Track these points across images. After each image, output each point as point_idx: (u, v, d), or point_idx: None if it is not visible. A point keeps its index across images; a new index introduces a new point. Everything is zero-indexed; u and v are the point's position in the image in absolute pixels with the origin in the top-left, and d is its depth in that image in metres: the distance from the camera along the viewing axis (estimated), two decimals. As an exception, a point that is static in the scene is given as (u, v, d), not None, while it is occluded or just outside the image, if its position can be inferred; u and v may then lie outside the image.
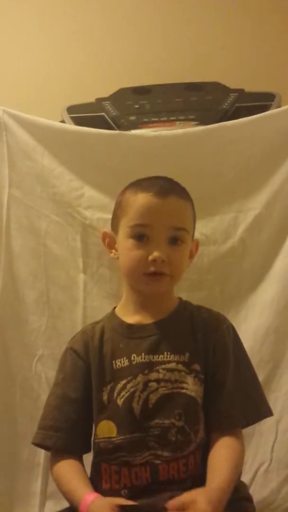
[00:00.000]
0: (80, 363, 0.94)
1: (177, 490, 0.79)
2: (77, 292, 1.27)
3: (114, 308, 1.02)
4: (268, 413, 0.90)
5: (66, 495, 0.84)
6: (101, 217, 1.26)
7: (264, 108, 1.34)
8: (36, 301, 1.25)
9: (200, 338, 0.91)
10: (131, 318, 0.95)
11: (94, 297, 1.27)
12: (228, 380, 0.87)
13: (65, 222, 1.29)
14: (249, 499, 0.88)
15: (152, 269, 0.89)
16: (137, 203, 0.91)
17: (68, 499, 0.84)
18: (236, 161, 1.29)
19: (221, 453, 0.81)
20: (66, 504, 1.04)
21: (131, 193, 0.94)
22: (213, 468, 0.80)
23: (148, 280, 0.90)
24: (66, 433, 0.89)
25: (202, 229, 1.25)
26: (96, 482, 0.87)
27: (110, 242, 1.00)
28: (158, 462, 0.82)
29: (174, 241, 0.91)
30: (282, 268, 1.22)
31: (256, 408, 0.88)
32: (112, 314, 0.99)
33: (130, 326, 0.94)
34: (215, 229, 1.27)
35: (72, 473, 0.85)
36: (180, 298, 1.00)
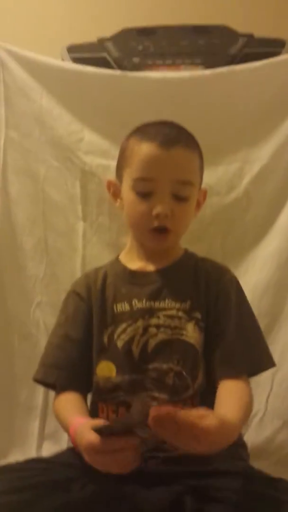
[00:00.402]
0: (82, 305, 0.93)
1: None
2: (76, 240, 1.25)
3: (118, 255, 1.00)
4: (270, 364, 0.90)
5: (63, 425, 0.84)
6: (101, 163, 1.22)
7: (274, 55, 1.27)
8: (34, 248, 1.23)
9: (203, 287, 0.90)
10: (135, 264, 0.94)
11: (93, 245, 1.25)
12: (229, 329, 0.87)
13: (64, 168, 1.25)
14: (243, 445, 0.90)
15: (155, 223, 0.87)
16: (140, 154, 0.87)
17: (65, 429, 0.84)
18: (244, 108, 1.24)
19: (230, 393, 0.81)
20: (63, 446, 1.08)
21: (135, 141, 0.89)
22: (222, 406, 0.78)
23: (153, 236, 0.89)
24: (67, 371, 0.89)
25: (205, 179, 1.19)
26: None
27: (115, 192, 0.96)
28: (154, 404, 0.82)
29: (179, 195, 0.88)
30: (286, 222, 1.20)
31: (258, 358, 0.88)
32: (116, 261, 0.99)
33: (133, 272, 0.93)
34: (220, 180, 1.23)
35: (70, 404, 0.86)
36: (186, 249, 0.99)
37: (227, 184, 1.24)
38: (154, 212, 0.86)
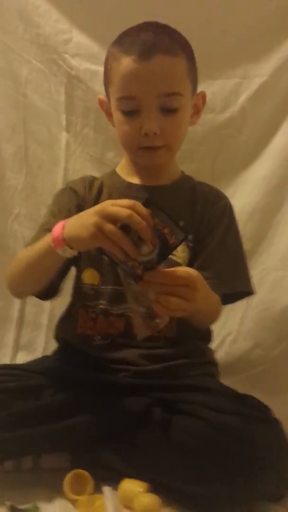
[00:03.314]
0: (77, 202, 0.88)
1: (149, 346, 0.81)
2: (59, 151, 1.19)
3: (114, 169, 0.95)
4: (245, 287, 0.89)
5: (35, 254, 0.76)
6: (89, 68, 1.14)
7: None
8: (14, 156, 1.18)
9: (199, 210, 0.88)
10: (132, 178, 0.91)
11: (76, 159, 1.20)
12: (210, 249, 0.85)
13: (48, 71, 1.17)
14: (214, 363, 0.92)
15: (144, 143, 0.82)
16: (119, 70, 0.79)
17: (35, 253, 0.76)
18: (248, 19, 1.14)
19: None
20: (37, 355, 1.10)
21: (113, 56, 0.81)
22: None
23: (144, 154, 0.84)
24: None
25: (200, 93, 1.15)
26: (70, 326, 0.87)
27: (108, 110, 0.89)
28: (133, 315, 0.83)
29: (167, 108, 0.81)
30: (280, 145, 1.16)
31: (233, 280, 0.87)
32: (113, 172, 0.94)
33: (130, 185, 0.89)
34: (215, 95, 1.16)
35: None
36: (183, 172, 0.95)
37: (223, 100, 1.17)
38: (143, 131, 0.81)
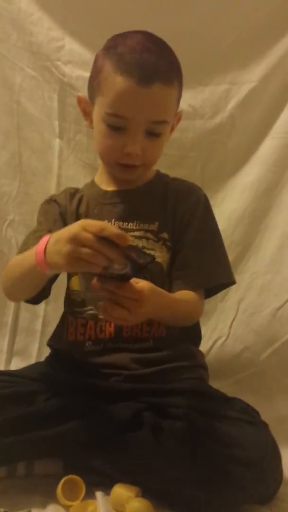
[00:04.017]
0: (59, 210, 0.92)
1: (138, 348, 0.84)
2: (52, 158, 1.21)
3: (93, 178, 0.98)
4: (227, 278, 0.91)
5: (23, 262, 0.78)
6: (81, 75, 1.14)
7: None
8: (7, 163, 1.19)
9: (171, 207, 0.90)
10: (107, 185, 0.93)
11: (69, 165, 1.21)
12: (187, 244, 0.87)
13: (41, 78, 1.18)
14: (204, 367, 0.93)
15: (124, 160, 0.84)
16: (116, 88, 0.79)
17: (25, 266, 0.77)
18: (237, 24, 1.16)
19: (178, 293, 0.84)
20: (32, 361, 1.11)
21: (110, 68, 0.80)
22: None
23: (121, 169, 0.86)
24: None
25: (190, 100, 1.17)
26: (61, 334, 0.89)
27: (85, 109, 0.90)
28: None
29: (153, 133, 0.83)
30: (269, 150, 1.18)
31: (213, 272, 0.89)
32: (91, 183, 0.97)
33: (105, 193, 0.92)
34: (205, 101, 1.18)
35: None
36: (157, 170, 0.96)
37: (212, 107, 1.19)
38: (125, 151, 0.82)
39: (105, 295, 0.68)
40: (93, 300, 0.85)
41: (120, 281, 0.67)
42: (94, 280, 0.68)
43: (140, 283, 0.71)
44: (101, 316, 0.83)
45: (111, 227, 0.64)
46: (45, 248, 0.70)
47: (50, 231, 0.85)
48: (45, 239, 0.72)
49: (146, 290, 0.70)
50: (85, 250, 0.63)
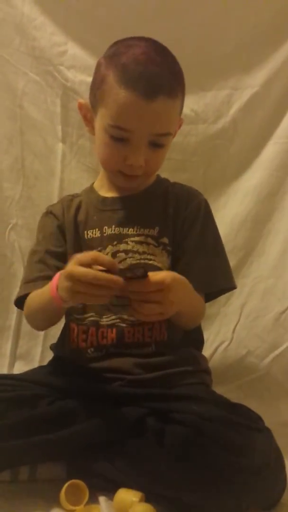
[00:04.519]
0: (57, 223, 0.93)
1: (141, 353, 0.84)
2: (55, 162, 1.21)
3: (93, 183, 0.98)
4: (227, 283, 0.91)
5: (43, 296, 0.82)
6: (84, 80, 1.15)
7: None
8: (11, 168, 1.19)
9: (171, 212, 0.90)
10: (107, 192, 0.94)
11: (72, 169, 1.21)
12: (189, 249, 0.87)
13: (44, 83, 1.18)
14: (207, 371, 0.93)
15: (126, 170, 0.85)
16: (119, 100, 0.78)
17: (45, 300, 0.82)
18: (240, 29, 1.16)
19: None
20: (34, 365, 1.11)
21: (114, 80, 0.79)
22: None
23: (122, 178, 0.87)
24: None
25: (193, 105, 1.17)
26: (64, 343, 0.90)
27: (86, 115, 0.89)
28: (124, 325, 0.85)
29: (155, 145, 0.83)
30: (271, 155, 1.18)
31: (214, 277, 0.88)
32: (90, 188, 0.97)
33: (104, 199, 0.92)
34: (207, 106, 1.18)
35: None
36: (158, 175, 0.97)
37: (215, 111, 1.19)
38: (127, 162, 0.83)
39: (131, 297, 0.71)
40: (94, 306, 0.86)
41: (141, 279, 0.69)
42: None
43: (160, 274, 0.72)
44: (103, 322, 0.85)
45: (102, 256, 0.70)
46: (57, 287, 0.75)
47: (47, 251, 0.91)
48: (57, 275, 0.77)
49: (169, 279, 0.72)
50: (83, 287, 0.68)
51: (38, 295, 0.85)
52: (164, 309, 0.72)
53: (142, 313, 0.73)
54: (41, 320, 0.89)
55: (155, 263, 0.86)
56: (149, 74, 0.78)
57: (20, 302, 0.92)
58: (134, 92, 0.77)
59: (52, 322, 0.90)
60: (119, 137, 0.82)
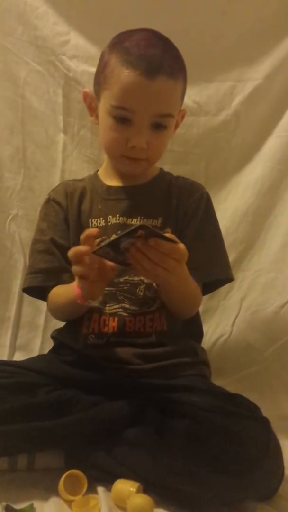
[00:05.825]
0: (63, 215, 0.93)
1: (141, 343, 0.85)
2: (56, 153, 1.20)
3: (97, 170, 0.98)
4: (224, 274, 0.92)
5: (67, 294, 0.84)
6: (86, 70, 1.14)
7: None
8: (12, 158, 1.19)
9: (174, 204, 0.91)
10: (111, 181, 0.94)
11: (73, 160, 1.21)
12: (188, 240, 0.86)
13: (46, 72, 1.17)
14: (206, 363, 0.94)
15: (129, 154, 0.85)
16: (121, 81, 0.80)
17: (70, 298, 0.83)
18: (242, 22, 1.15)
19: None
20: (33, 355, 1.11)
21: (116, 62, 0.81)
22: None
23: (126, 162, 0.87)
24: (57, 273, 0.89)
25: (195, 96, 1.16)
26: (65, 326, 0.93)
27: (91, 104, 0.90)
28: (125, 314, 0.86)
29: (158, 126, 0.84)
30: (273, 148, 1.18)
31: (211, 268, 0.89)
32: (95, 175, 0.97)
33: (109, 188, 0.93)
34: (210, 98, 1.18)
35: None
36: (161, 168, 0.97)
37: (217, 103, 1.18)
38: (130, 144, 0.83)
39: (143, 256, 0.68)
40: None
41: (171, 242, 0.67)
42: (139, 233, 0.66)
43: (181, 244, 0.70)
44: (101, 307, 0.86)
45: (88, 230, 0.71)
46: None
47: (51, 240, 0.90)
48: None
49: (186, 254, 0.71)
50: (79, 269, 0.71)
51: (63, 293, 0.87)
52: (169, 277, 0.71)
53: (152, 273, 0.70)
54: (68, 313, 0.90)
55: None
56: (150, 55, 0.80)
57: (29, 290, 0.94)
58: (135, 71, 0.79)
59: (78, 315, 0.89)
60: (122, 117, 0.82)
